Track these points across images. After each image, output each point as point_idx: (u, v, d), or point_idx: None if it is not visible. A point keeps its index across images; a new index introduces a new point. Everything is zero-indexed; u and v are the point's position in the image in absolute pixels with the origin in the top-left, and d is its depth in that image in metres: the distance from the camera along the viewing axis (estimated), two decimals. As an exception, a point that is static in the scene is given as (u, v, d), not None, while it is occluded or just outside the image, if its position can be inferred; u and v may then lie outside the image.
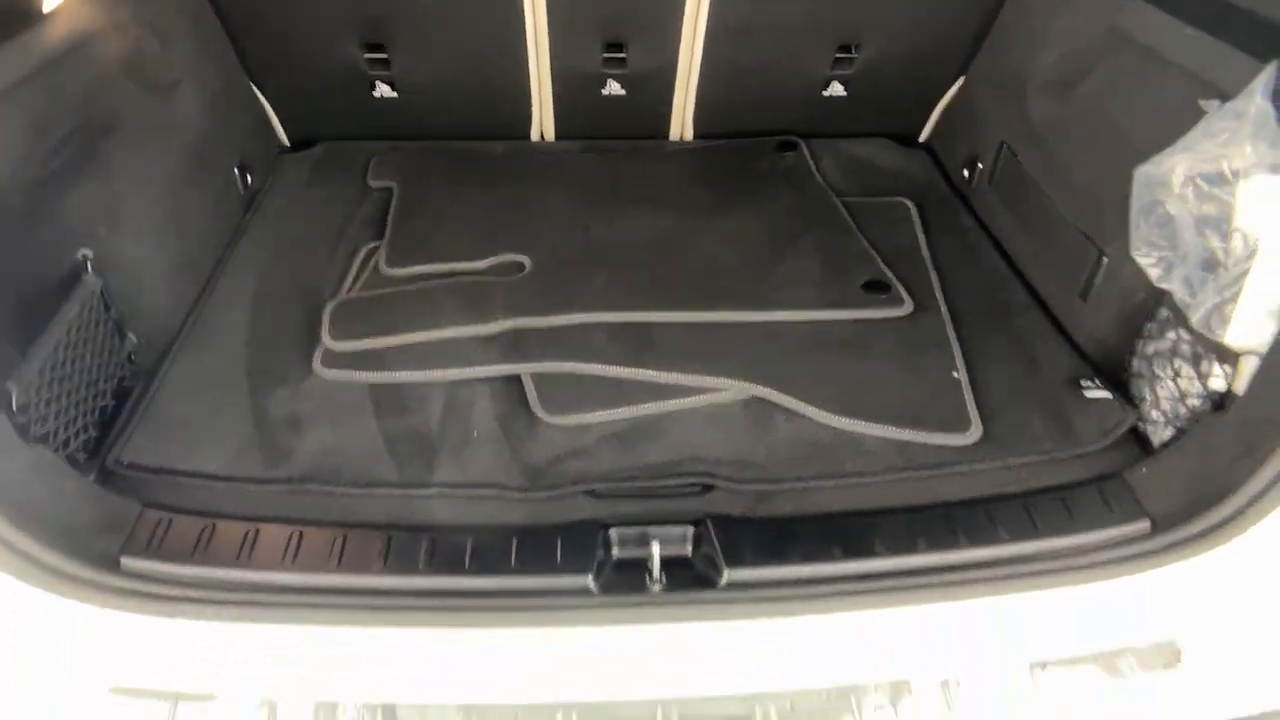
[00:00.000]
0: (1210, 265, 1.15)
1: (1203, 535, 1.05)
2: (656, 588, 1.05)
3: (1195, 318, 1.17)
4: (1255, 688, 1.10)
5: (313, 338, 1.43)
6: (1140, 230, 1.24)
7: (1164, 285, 1.24)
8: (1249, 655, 1.09)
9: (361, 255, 1.63)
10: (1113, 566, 1.06)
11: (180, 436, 1.26)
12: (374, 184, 1.85)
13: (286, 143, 2.02)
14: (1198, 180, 1.15)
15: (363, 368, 1.36)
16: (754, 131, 1.99)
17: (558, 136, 2.01)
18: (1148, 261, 1.24)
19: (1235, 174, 1.11)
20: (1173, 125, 1.19)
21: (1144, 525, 1.09)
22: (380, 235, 1.68)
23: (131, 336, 1.38)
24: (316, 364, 1.37)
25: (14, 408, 1.07)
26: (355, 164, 1.92)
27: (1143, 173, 1.22)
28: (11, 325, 1.15)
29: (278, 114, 1.96)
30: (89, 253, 1.30)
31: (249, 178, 1.80)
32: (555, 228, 1.67)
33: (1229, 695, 1.10)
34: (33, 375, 1.13)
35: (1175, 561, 1.05)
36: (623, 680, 1.04)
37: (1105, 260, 1.37)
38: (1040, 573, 1.07)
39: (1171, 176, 1.17)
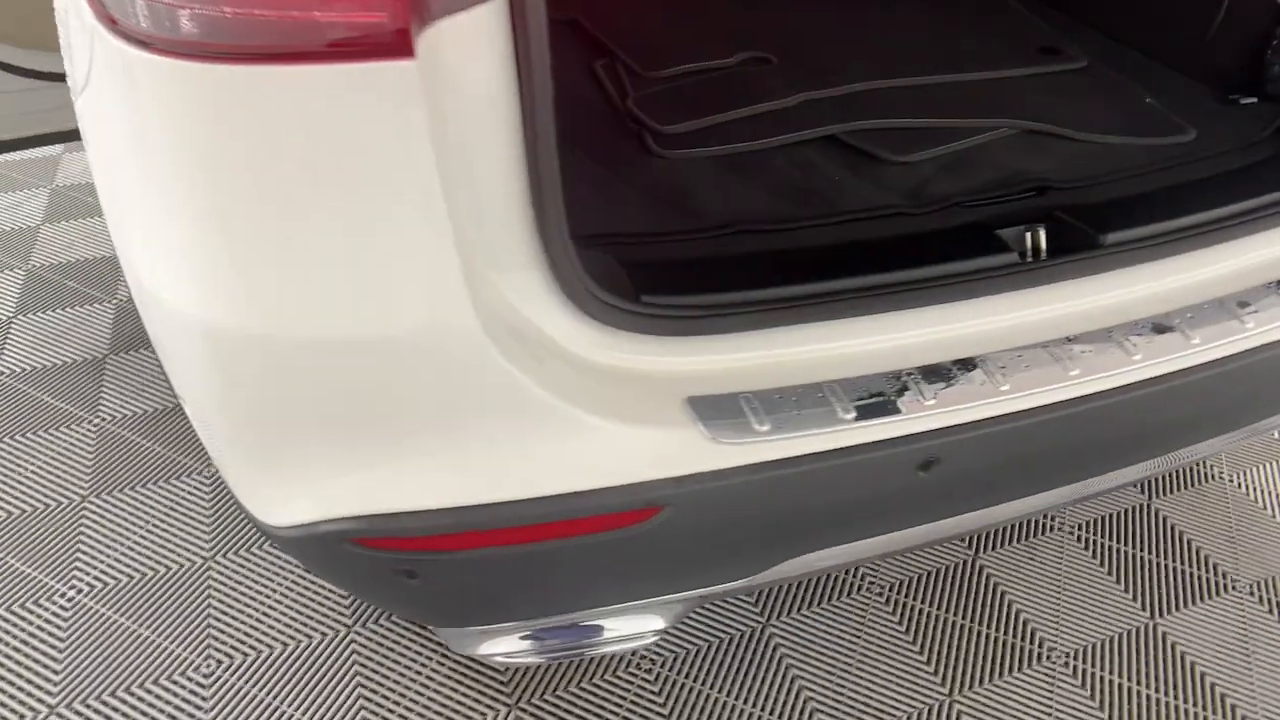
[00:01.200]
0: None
1: None
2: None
3: (1331, 18, 1.60)
4: None
5: (621, 132, 1.50)
6: (1274, -38, 1.65)
7: (1293, 5, 1.66)
8: None
9: (600, 69, 1.69)
10: None
11: (579, 213, 1.31)
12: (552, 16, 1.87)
13: None
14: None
15: (699, 145, 1.47)
16: None
17: None
18: (1279, -13, 1.66)
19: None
20: None
21: None
22: (596, 58, 1.74)
23: None
24: (654, 146, 1.46)
25: None
26: None
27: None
28: None
29: None
30: None
31: None
32: (763, 32, 1.81)
33: None
34: None
35: None
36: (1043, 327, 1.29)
37: (1225, 3, 1.77)
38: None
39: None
